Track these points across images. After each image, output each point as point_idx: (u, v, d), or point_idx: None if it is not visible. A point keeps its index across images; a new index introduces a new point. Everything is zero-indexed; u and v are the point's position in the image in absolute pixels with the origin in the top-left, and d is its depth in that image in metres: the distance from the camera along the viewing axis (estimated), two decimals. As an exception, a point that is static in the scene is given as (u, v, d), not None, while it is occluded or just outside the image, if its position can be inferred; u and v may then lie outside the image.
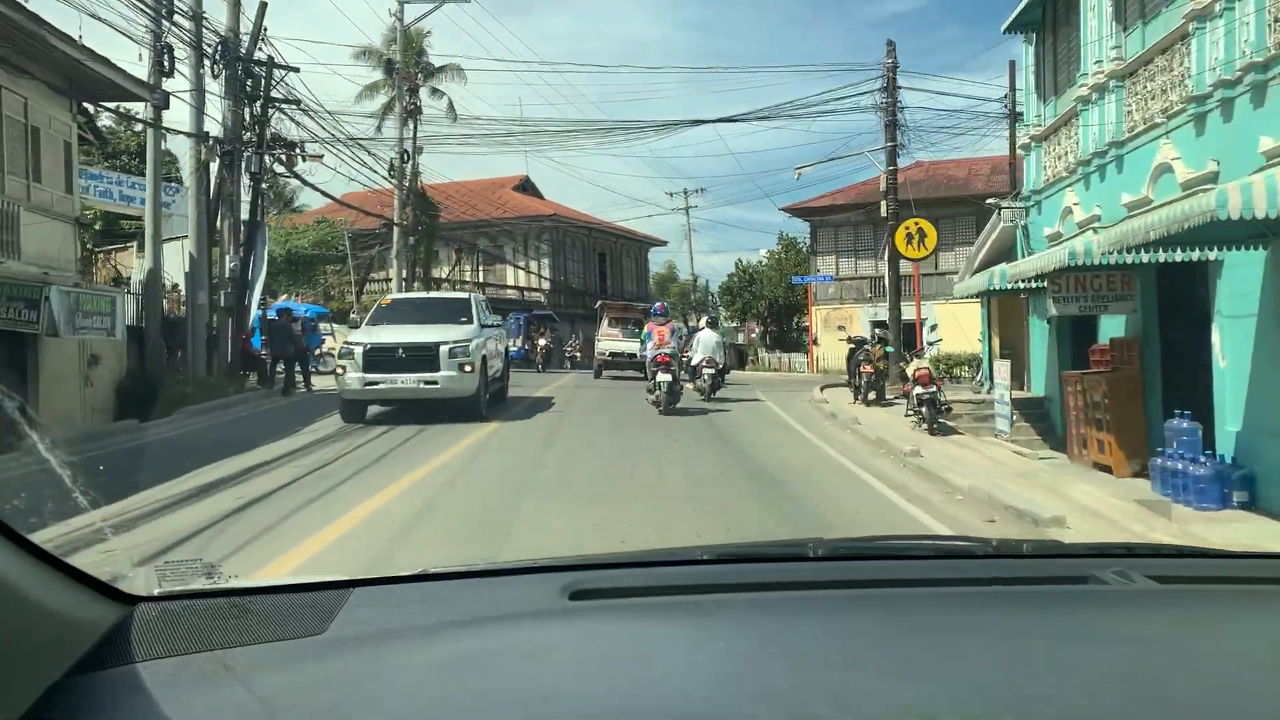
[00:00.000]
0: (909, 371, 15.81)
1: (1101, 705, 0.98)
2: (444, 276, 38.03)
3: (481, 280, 42.97)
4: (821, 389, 20.87)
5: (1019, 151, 16.95)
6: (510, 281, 44.10)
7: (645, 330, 18.95)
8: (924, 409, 14.51)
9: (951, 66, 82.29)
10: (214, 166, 19.83)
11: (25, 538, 1.05)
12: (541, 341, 31.10)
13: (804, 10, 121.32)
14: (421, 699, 1.02)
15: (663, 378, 15.43)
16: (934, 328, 22.63)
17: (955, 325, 24.13)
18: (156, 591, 1.31)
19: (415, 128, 33.58)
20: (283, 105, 20.88)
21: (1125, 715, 0.97)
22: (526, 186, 48.15)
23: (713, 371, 17.51)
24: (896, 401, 17.72)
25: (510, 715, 0.97)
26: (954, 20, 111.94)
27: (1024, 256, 14.43)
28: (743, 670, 1.11)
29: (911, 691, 1.00)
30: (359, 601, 1.35)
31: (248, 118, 20.27)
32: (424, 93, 34.68)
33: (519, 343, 29.56)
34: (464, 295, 19.16)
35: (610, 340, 25.87)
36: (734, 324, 46.89)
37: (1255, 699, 1.02)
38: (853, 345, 19.30)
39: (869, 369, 18.01)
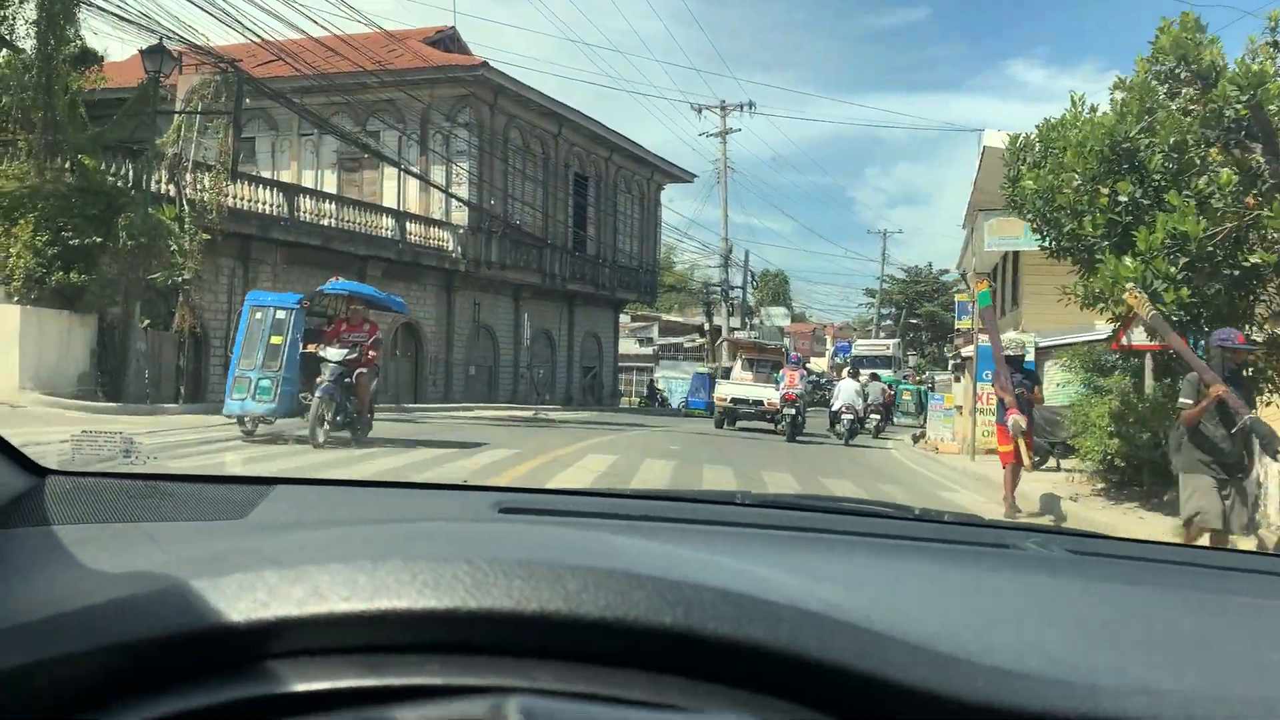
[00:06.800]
0: None
1: (1009, 647, 0.95)
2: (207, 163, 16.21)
3: (336, 191, 21.44)
4: None
5: None
6: (390, 202, 22.58)
7: (779, 374, 20.53)
8: None
9: (946, 84, 65.56)
10: None
11: None
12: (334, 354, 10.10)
13: (800, 14, 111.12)
14: (343, 547, 0.94)
15: (788, 411, 18.75)
16: None
17: None
18: (72, 467, 1.29)
19: None
20: None
21: (1036, 656, 0.93)
22: (450, 44, 26.63)
23: (850, 418, 19.30)
24: None
25: (427, 554, 0.88)
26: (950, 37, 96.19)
27: None
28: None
29: (825, 594, 1.01)
30: (281, 496, 1.36)
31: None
32: None
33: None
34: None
35: (741, 385, 22.18)
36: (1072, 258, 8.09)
37: (1163, 662, 0.98)
38: None
39: None
